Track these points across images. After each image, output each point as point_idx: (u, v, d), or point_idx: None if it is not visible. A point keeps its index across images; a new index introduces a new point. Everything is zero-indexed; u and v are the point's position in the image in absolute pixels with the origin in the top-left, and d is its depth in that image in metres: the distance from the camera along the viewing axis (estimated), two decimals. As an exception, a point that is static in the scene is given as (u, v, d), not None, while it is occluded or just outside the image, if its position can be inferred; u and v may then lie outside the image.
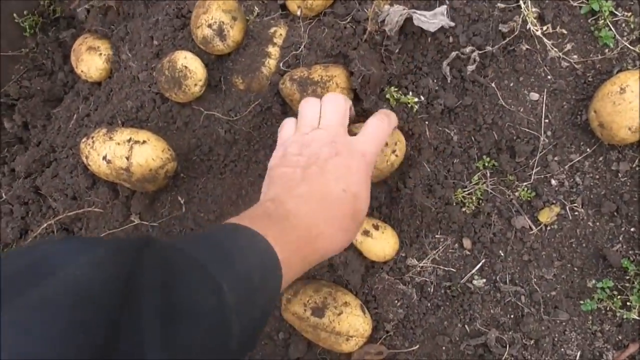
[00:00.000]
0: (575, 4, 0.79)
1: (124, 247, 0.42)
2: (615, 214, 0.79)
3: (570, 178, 0.80)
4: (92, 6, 1.06)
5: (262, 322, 0.52)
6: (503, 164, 0.81)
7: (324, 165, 0.63)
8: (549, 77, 0.80)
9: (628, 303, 0.77)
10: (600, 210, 0.79)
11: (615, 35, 0.78)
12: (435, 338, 0.81)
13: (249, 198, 0.84)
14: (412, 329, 0.82)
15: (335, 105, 0.70)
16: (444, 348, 0.81)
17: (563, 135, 0.80)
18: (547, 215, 0.80)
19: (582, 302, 0.79)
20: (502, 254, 0.83)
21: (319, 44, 0.82)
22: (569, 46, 0.79)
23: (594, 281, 0.79)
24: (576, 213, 0.80)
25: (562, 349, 0.79)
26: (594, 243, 0.80)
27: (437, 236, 0.84)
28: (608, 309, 0.78)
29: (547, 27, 0.78)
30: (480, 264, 0.83)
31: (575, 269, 0.80)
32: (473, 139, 0.82)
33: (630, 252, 0.78)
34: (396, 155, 0.78)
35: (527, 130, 0.80)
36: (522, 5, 0.77)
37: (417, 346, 0.81)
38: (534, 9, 0.78)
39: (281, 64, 0.80)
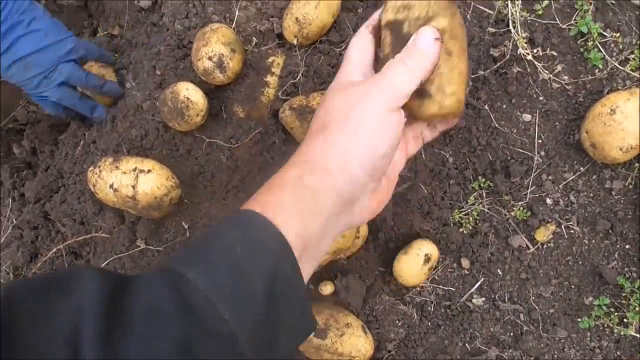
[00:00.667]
0: (564, 26, 0.81)
1: (112, 277, 0.41)
2: (610, 231, 0.80)
3: (565, 197, 0.82)
4: (97, 34, 1.09)
5: (288, 299, 0.44)
6: (498, 184, 0.83)
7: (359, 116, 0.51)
8: (540, 98, 0.81)
9: (625, 320, 0.78)
10: (595, 228, 0.80)
11: (604, 55, 0.80)
12: (436, 357, 0.83)
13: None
14: (414, 348, 0.83)
15: None
16: (444, 367, 0.82)
17: (556, 154, 0.82)
18: (543, 234, 0.81)
19: (579, 319, 0.80)
20: (500, 273, 0.84)
21: (316, 71, 0.84)
22: (559, 67, 0.81)
23: (591, 298, 0.80)
24: (572, 231, 0.82)
25: (562, 366, 0.80)
26: (590, 260, 0.81)
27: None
28: (605, 325, 0.80)
29: (537, 50, 0.80)
30: (479, 283, 0.84)
31: (573, 286, 0.82)
32: (468, 160, 0.84)
33: (625, 269, 0.79)
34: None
35: (521, 150, 0.82)
36: (512, 30, 0.80)
37: (418, 365, 0.82)
38: (524, 33, 0.80)
39: (280, 93, 0.83)
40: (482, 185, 0.84)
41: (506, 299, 0.84)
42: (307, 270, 0.48)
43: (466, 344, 0.83)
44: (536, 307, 0.82)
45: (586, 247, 0.81)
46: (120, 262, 0.89)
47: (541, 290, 0.82)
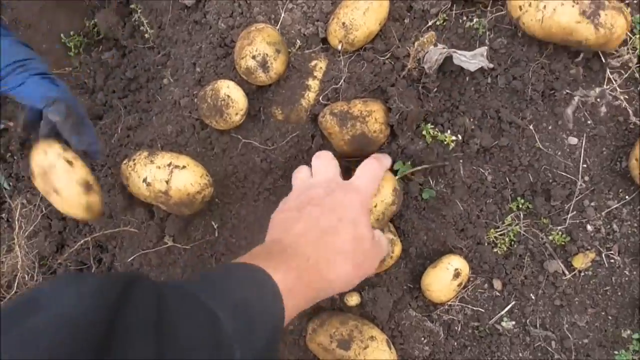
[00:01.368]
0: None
1: (112, 279, 0.44)
2: (652, 263, 0.78)
3: (607, 224, 0.79)
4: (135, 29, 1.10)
5: (270, 351, 0.53)
6: (538, 207, 0.81)
7: (320, 201, 0.67)
8: (589, 122, 0.79)
9: (664, 356, 0.75)
10: (637, 258, 0.78)
11: (657, 83, 0.78)
12: (461, 379, 0.80)
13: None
14: (438, 367, 0.81)
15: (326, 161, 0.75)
16: (470, 390, 0.80)
17: (601, 180, 0.79)
18: (581, 261, 0.79)
19: (616, 352, 0.77)
20: (533, 297, 0.82)
21: (358, 78, 0.83)
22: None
23: (629, 331, 0.77)
24: (612, 260, 0.79)
25: (593, 400, 0.78)
26: (630, 292, 0.78)
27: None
28: (642, 361, 0.77)
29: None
30: (510, 305, 0.82)
31: (610, 317, 0.79)
32: (508, 179, 0.82)
33: (667, 303, 0.77)
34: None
35: (564, 174, 0.80)
36: (564, 50, 0.78)
37: (443, 386, 0.80)
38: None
39: (320, 97, 0.82)
40: (520, 206, 0.81)
41: (538, 325, 0.81)
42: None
43: (493, 368, 0.81)
44: (569, 335, 0.79)
45: (626, 278, 0.78)
46: (147, 258, 0.88)
47: (575, 318, 0.80)
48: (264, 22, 0.87)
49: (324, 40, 0.87)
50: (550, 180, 0.80)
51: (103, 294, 0.41)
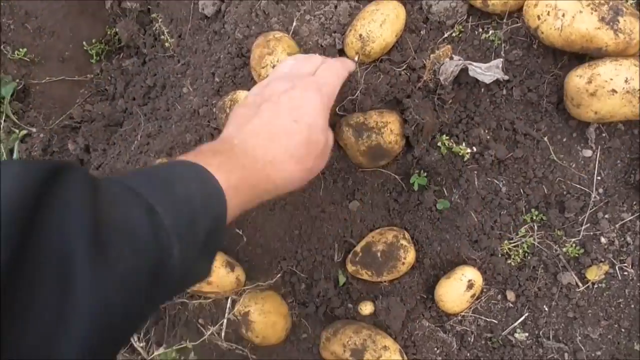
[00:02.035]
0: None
1: (38, 165, 0.41)
2: (667, 277, 0.78)
3: (621, 237, 0.80)
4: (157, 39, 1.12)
5: (209, 247, 0.51)
6: (552, 219, 0.81)
7: (277, 99, 0.64)
8: (603, 134, 0.80)
9: (678, 371, 0.75)
10: (651, 272, 0.78)
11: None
12: (474, 389, 0.81)
13: (297, 237, 0.86)
14: (451, 377, 0.82)
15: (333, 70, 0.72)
16: (482, 400, 0.80)
17: (615, 193, 0.80)
18: (595, 273, 0.79)
19: (629, 365, 0.77)
20: (547, 309, 0.82)
21: (375, 90, 0.84)
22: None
23: (642, 345, 0.78)
24: (625, 273, 0.79)
25: (606, 413, 0.78)
26: (644, 305, 0.78)
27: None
28: (656, 374, 0.77)
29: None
30: (523, 317, 0.82)
31: (623, 330, 0.79)
32: (522, 191, 0.83)
33: (681, 318, 0.77)
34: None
35: (578, 186, 0.80)
36: (579, 64, 0.78)
37: (456, 396, 0.81)
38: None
39: (337, 109, 0.83)
40: (534, 217, 0.82)
41: (551, 337, 0.81)
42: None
43: (506, 379, 0.81)
44: (582, 347, 0.79)
45: (640, 291, 0.78)
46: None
47: (589, 330, 0.80)
48: (280, 31, 0.88)
49: (341, 52, 0.88)
50: (565, 192, 0.81)
51: (30, 175, 0.37)
